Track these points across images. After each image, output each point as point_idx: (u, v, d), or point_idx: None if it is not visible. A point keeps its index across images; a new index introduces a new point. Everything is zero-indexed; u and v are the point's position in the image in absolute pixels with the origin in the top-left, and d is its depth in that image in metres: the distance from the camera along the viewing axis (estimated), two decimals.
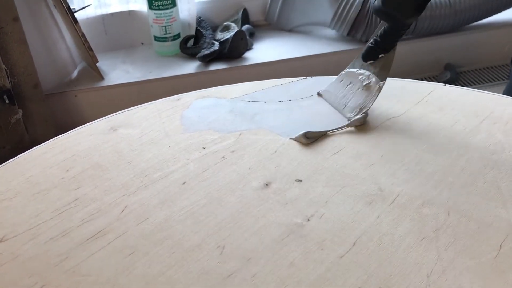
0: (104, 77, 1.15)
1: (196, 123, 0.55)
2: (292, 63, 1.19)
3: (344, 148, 0.51)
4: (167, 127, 0.55)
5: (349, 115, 0.55)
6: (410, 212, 0.43)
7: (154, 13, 1.16)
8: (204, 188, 0.46)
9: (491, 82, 1.23)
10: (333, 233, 0.41)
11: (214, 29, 1.25)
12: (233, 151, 0.51)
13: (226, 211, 0.44)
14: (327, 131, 0.53)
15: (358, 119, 0.53)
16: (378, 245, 0.40)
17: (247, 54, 1.21)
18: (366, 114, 0.54)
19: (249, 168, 0.49)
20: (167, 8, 1.15)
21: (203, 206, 0.44)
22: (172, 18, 1.17)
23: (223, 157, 0.50)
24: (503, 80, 1.23)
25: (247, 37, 1.21)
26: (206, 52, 1.14)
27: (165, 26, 1.17)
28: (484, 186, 0.45)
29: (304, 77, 0.63)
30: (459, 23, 1.20)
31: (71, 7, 1.08)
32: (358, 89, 0.55)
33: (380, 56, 0.55)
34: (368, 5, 1.14)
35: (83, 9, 1.17)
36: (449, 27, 1.19)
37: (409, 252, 0.39)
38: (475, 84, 1.22)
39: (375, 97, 0.54)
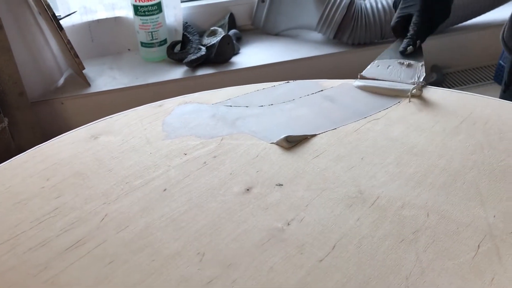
0: (91, 83, 1.14)
1: (178, 129, 0.55)
2: (279, 67, 1.19)
3: (325, 151, 0.51)
4: (148, 133, 0.55)
5: (410, 81, 0.61)
6: (389, 214, 0.43)
7: (140, 19, 1.16)
8: (185, 194, 0.46)
9: (477, 82, 1.24)
10: (313, 236, 0.41)
11: (201, 34, 1.25)
12: (214, 157, 0.51)
13: (206, 217, 0.44)
14: (308, 135, 0.53)
15: (420, 83, 0.60)
16: (358, 248, 0.40)
17: (234, 59, 1.21)
18: (424, 82, 0.60)
19: (231, 173, 0.49)
20: (153, 14, 1.15)
21: (184, 213, 0.44)
22: (158, 24, 1.17)
23: (205, 162, 0.50)
24: (489, 80, 1.24)
25: (234, 41, 1.21)
26: (192, 57, 1.14)
27: (151, 32, 1.17)
28: (463, 187, 0.46)
29: (286, 81, 0.63)
30: (444, 24, 1.20)
31: (56, 14, 1.08)
32: (402, 67, 0.63)
33: (409, 50, 0.65)
34: (353, 8, 1.15)
35: (69, 16, 1.16)
36: None
37: (388, 254, 0.39)
38: (461, 85, 1.23)
39: (423, 69, 0.62)
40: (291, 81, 0.63)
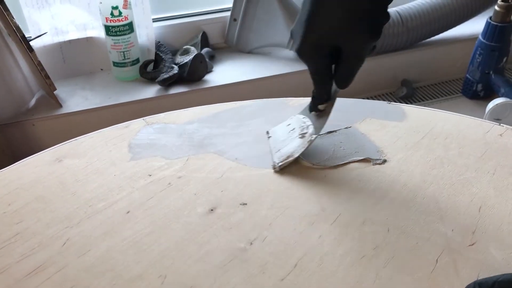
0: (63, 104, 1.14)
1: (144, 150, 0.55)
2: (252, 84, 1.20)
3: (290, 168, 0.51)
4: (113, 155, 0.54)
5: (275, 160, 0.52)
6: (351, 231, 0.44)
7: (112, 39, 1.16)
8: (149, 216, 0.46)
9: (446, 96, 1.27)
10: (275, 255, 0.41)
11: (174, 53, 1.26)
12: (179, 177, 0.51)
13: (169, 239, 0.43)
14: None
15: (279, 166, 0.51)
16: (319, 266, 0.40)
17: (208, 77, 1.21)
18: (287, 163, 0.51)
19: (195, 194, 0.49)
20: (124, 34, 1.15)
21: (147, 235, 0.44)
22: (130, 43, 1.17)
23: (169, 183, 0.50)
24: (457, 93, 1.27)
25: (207, 60, 1.21)
26: (165, 76, 1.14)
27: (124, 52, 1.17)
28: (423, 201, 0.47)
29: (253, 100, 0.64)
30: (412, 40, 1.23)
31: (27, 36, 1.07)
32: (296, 137, 0.54)
33: (320, 108, 0.52)
34: None
35: (40, 37, 1.16)
36: (403, 44, 1.23)
37: (349, 271, 0.40)
38: (431, 99, 1.26)
39: (303, 149, 0.51)
40: (258, 100, 0.64)
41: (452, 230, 0.43)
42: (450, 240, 0.42)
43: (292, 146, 0.53)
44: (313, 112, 0.54)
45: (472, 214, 0.45)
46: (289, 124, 0.57)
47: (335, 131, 0.57)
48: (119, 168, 0.52)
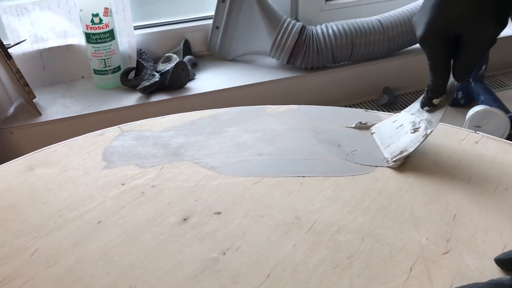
0: (42, 112, 1.12)
1: (118, 159, 0.54)
2: (234, 92, 1.20)
3: (265, 177, 0.51)
4: (86, 164, 0.53)
5: (387, 155, 0.53)
6: (325, 240, 0.43)
7: (92, 47, 1.15)
8: (120, 226, 0.45)
9: None
10: (248, 265, 0.41)
11: (156, 60, 1.25)
12: (153, 186, 0.50)
13: (140, 250, 0.43)
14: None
15: (394, 162, 0.51)
16: (292, 275, 0.40)
17: (190, 85, 1.21)
18: (402, 159, 0.51)
19: (168, 203, 0.48)
20: (105, 42, 1.14)
21: (117, 246, 0.43)
22: (111, 51, 1.16)
23: (143, 192, 0.49)
24: None
25: (189, 67, 1.21)
26: (146, 83, 1.14)
27: (104, 59, 1.16)
28: (398, 209, 0.46)
29: (230, 108, 0.63)
30: (393, 48, 1.24)
31: (6, 43, 1.06)
32: (407, 132, 0.54)
33: (435, 102, 0.52)
34: (305, 34, 1.17)
35: (19, 45, 1.14)
36: (384, 52, 1.24)
37: (322, 281, 0.39)
38: None
39: (419, 143, 0.51)
40: (235, 107, 0.63)
41: (427, 238, 0.43)
42: (424, 248, 0.42)
43: (405, 141, 0.53)
44: (425, 108, 0.53)
45: (447, 222, 0.45)
46: (395, 121, 0.57)
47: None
48: (92, 177, 0.51)
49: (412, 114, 0.55)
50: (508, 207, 0.46)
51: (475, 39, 0.45)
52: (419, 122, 0.53)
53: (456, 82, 0.50)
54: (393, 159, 0.52)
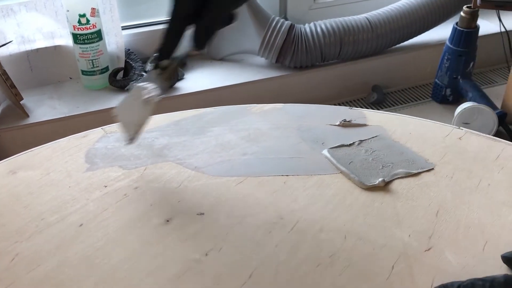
0: (30, 114, 1.11)
1: (101, 161, 0.54)
2: (223, 92, 1.19)
3: (249, 177, 0.51)
4: (69, 166, 0.53)
5: (127, 136, 0.49)
6: (308, 238, 0.43)
7: (80, 48, 1.14)
8: (102, 229, 0.45)
9: (416, 101, 1.28)
10: (231, 266, 0.41)
11: (144, 60, 1.24)
12: (135, 188, 0.50)
13: (123, 252, 0.42)
14: None
15: (130, 140, 0.48)
16: (274, 275, 0.40)
17: (178, 84, 1.20)
18: (140, 132, 0.48)
19: (151, 205, 0.47)
20: (93, 42, 1.14)
21: (99, 249, 0.43)
22: (99, 51, 1.16)
23: (125, 194, 0.49)
24: (427, 98, 1.28)
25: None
26: (134, 84, 1.13)
27: (92, 60, 1.16)
28: (381, 207, 0.46)
29: (215, 107, 0.63)
30: (382, 46, 1.24)
31: None
32: (140, 104, 0.48)
33: (162, 63, 0.47)
34: (293, 33, 1.17)
35: (5, 46, 1.13)
36: (373, 50, 1.24)
37: (304, 280, 0.39)
38: (401, 104, 1.27)
39: (148, 113, 0.47)
40: (219, 107, 0.63)
41: (409, 235, 0.43)
42: (406, 246, 0.42)
43: (139, 115, 0.49)
44: (158, 71, 0.48)
45: (430, 218, 0.45)
46: (132, 95, 0.51)
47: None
48: (74, 180, 0.51)
49: (144, 84, 0.49)
50: (490, 203, 0.46)
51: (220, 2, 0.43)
52: (150, 90, 0.48)
53: (192, 51, 0.46)
54: (130, 138, 0.49)
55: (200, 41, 0.45)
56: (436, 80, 1.24)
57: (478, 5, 1.07)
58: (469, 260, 0.40)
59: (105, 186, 0.50)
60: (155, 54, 0.48)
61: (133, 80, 1.15)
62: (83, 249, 0.43)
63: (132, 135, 0.49)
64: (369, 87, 1.30)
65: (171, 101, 1.15)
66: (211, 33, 0.45)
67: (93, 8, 1.12)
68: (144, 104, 0.48)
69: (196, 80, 1.22)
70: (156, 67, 0.48)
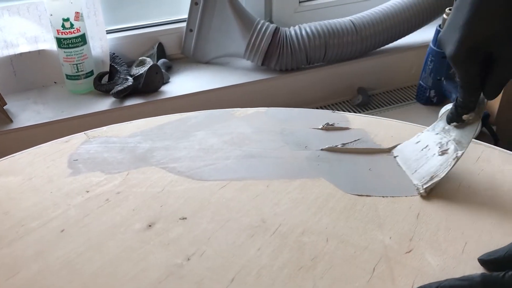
0: (13, 119, 1.10)
1: (83, 166, 0.53)
2: (209, 95, 1.19)
3: (232, 181, 0.51)
4: (51, 172, 0.53)
5: (416, 182, 0.49)
6: (290, 242, 0.43)
7: (64, 52, 1.13)
8: (84, 234, 0.45)
9: (401, 102, 1.29)
10: (213, 270, 0.41)
11: (130, 64, 1.24)
12: (118, 193, 0.49)
13: (104, 258, 0.42)
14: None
15: (425, 189, 0.48)
16: (256, 279, 0.40)
17: (164, 88, 1.20)
18: (433, 185, 0.48)
19: (133, 210, 0.47)
20: (77, 46, 1.13)
21: (81, 254, 0.43)
22: (84, 55, 1.15)
23: (107, 199, 0.49)
24: (412, 100, 1.29)
25: (163, 71, 1.20)
26: (119, 88, 1.12)
27: (77, 64, 1.15)
28: (362, 209, 0.47)
29: (198, 111, 0.63)
30: (366, 48, 1.25)
31: None
32: (434, 154, 0.50)
33: (464, 118, 0.50)
34: (278, 36, 1.17)
35: None
36: (358, 52, 1.25)
37: (286, 284, 0.39)
38: (386, 105, 1.28)
39: (450, 167, 0.48)
40: (203, 111, 0.63)
41: (390, 237, 0.43)
42: (387, 248, 0.42)
43: (433, 165, 0.49)
44: (453, 124, 0.51)
45: (410, 221, 0.45)
46: (418, 142, 0.53)
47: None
48: (56, 185, 0.51)
49: (437, 133, 0.52)
50: (470, 205, 0.47)
51: (509, 58, 0.44)
52: (447, 143, 0.50)
53: (485, 101, 0.49)
54: (424, 187, 0.48)
55: (493, 94, 0.47)
56: (421, 81, 1.25)
57: None
58: (449, 261, 0.41)
59: (87, 191, 0.50)
60: (455, 106, 0.50)
61: (117, 84, 1.15)
62: (64, 255, 0.42)
63: (426, 187, 0.48)
64: (355, 89, 1.30)
65: (155, 105, 1.15)
66: (502, 86, 0.46)
67: (77, 12, 1.11)
68: (441, 156, 0.49)
69: (182, 83, 1.22)
70: (457, 120, 0.50)
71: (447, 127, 0.52)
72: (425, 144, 0.52)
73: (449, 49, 0.45)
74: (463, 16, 0.43)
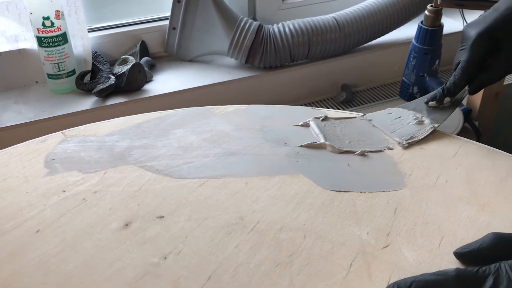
0: None
1: (60, 165, 0.53)
2: (193, 93, 1.19)
3: (211, 178, 0.51)
4: (27, 172, 0.52)
5: (397, 138, 0.56)
6: (267, 239, 0.43)
7: (45, 51, 1.12)
8: (59, 234, 0.44)
9: (384, 99, 1.29)
10: (189, 269, 0.40)
11: (112, 63, 1.23)
12: (95, 192, 0.49)
13: (79, 258, 0.42)
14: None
15: (408, 142, 0.55)
16: (233, 277, 0.39)
17: (147, 86, 1.19)
18: (414, 141, 0.55)
19: (110, 209, 0.47)
20: (58, 45, 1.12)
21: (56, 255, 0.42)
22: (65, 54, 1.14)
23: (84, 199, 0.48)
24: (395, 96, 1.30)
25: (146, 69, 1.19)
26: (101, 87, 1.11)
27: (58, 63, 1.14)
28: (340, 205, 0.47)
29: (177, 109, 0.63)
30: (349, 45, 1.25)
31: None
32: (409, 123, 0.57)
33: (445, 101, 0.58)
34: (262, 33, 1.17)
35: None
36: (341, 49, 1.25)
37: (263, 281, 0.39)
38: (370, 102, 1.28)
39: (426, 133, 0.56)
40: (182, 109, 0.63)
41: (367, 233, 0.43)
42: (364, 244, 0.42)
43: (411, 129, 0.56)
44: (431, 103, 0.58)
45: (388, 216, 0.45)
46: (390, 113, 0.60)
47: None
48: (32, 185, 0.50)
49: (409, 110, 0.59)
50: (447, 199, 0.47)
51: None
52: (421, 117, 0.58)
53: (466, 94, 0.57)
54: (407, 141, 0.54)
55: (475, 89, 0.56)
56: (404, 78, 1.26)
57: (439, 3, 1.09)
58: (425, 256, 0.41)
59: (64, 191, 0.49)
60: (442, 88, 0.59)
61: (99, 83, 1.14)
62: (39, 256, 0.42)
63: (409, 141, 0.55)
64: (338, 86, 1.31)
65: (138, 104, 1.14)
66: (487, 84, 0.55)
67: (58, 11, 1.10)
68: (418, 125, 0.57)
69: (165, 82, 1.21)
70: (438, 100, 0.59)
71: (419, 107, 0.59)
72: (398, 115, 0.60)
73: (471, 32, 0.53)
74: (494, 16, 0.52)
